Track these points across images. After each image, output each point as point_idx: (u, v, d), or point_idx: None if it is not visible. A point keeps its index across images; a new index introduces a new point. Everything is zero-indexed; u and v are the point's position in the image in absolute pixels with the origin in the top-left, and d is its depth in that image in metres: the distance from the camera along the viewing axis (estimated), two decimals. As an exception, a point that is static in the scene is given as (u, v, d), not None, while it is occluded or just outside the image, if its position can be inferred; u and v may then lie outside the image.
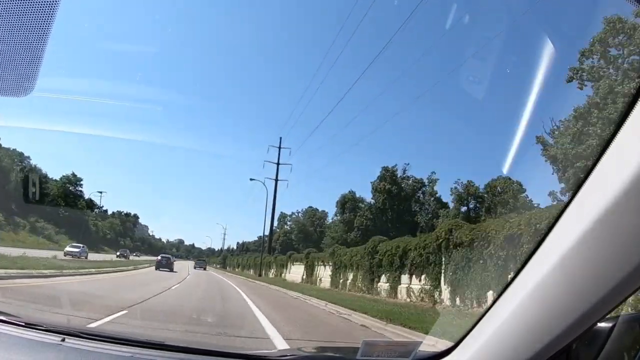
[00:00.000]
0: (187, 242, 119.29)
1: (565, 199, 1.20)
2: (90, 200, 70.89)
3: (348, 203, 49.68)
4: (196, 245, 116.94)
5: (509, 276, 1.34)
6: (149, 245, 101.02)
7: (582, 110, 19.41)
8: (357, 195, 49.61)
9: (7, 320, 1.99)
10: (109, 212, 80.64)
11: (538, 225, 10.34)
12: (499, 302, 1.39)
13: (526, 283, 1.26)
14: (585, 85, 20.20)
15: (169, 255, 37.03)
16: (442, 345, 2.10)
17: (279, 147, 42.79)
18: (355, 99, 58.69)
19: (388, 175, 46.53)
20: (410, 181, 47.52)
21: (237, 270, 55.32)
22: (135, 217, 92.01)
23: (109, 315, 7.55)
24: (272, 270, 39.96)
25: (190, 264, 49.70)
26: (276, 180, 42.82)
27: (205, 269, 45.45)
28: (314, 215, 60.60)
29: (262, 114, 78.39)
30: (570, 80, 20.05)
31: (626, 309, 2.07)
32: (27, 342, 1.78)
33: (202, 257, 58.99)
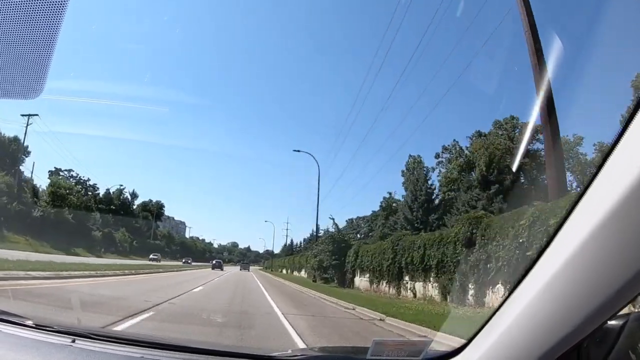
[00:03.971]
0: (241, 245, 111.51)
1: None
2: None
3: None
4: (252, 248, 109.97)
5: (520, 274, 1.33)
6: (182, 246, 75.85)
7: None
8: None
9: (17, 322, 2.01)
10: (102, 190, 52.62)
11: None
12: (509, 300, 1.38)
13: (537, 281, 1.25)
14: None
15: (221, 260, 57.12)
16: (453, 343, 2.08)
17: None
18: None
19: None
20: None
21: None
22: (159, 205, 63.29)
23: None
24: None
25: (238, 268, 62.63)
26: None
27: (248, 270, 57.62)
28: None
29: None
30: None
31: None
32: (37, 343, 1.80)
33: (246, 261, 77.38)
